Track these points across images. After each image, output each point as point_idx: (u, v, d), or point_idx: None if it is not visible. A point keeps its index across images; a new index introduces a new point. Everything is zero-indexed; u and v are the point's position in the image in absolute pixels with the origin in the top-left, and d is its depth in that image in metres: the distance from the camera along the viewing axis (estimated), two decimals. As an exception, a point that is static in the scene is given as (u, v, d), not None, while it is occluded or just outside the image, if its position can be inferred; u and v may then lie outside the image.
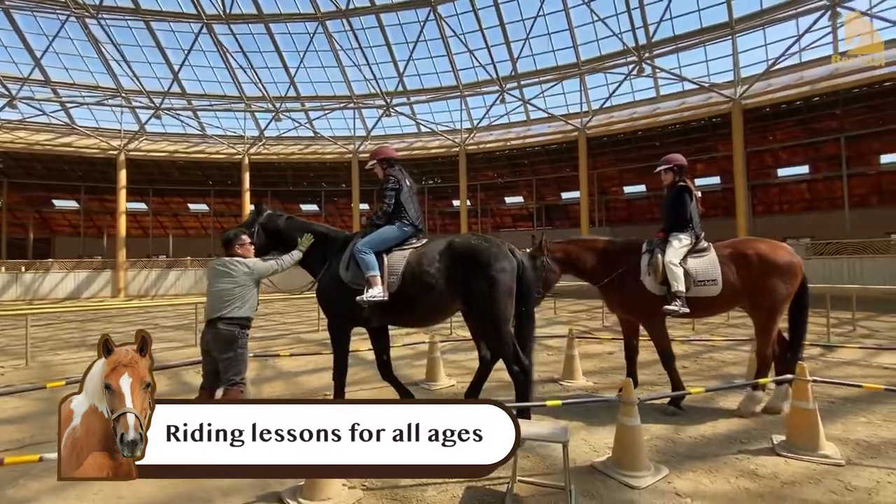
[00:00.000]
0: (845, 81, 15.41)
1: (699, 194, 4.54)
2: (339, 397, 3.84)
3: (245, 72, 20.40)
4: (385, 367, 4.06)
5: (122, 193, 21.16)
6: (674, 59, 18.37)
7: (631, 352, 4.54)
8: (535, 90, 20.83)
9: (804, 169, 21.59)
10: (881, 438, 3.39)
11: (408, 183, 3.91)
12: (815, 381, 3.30)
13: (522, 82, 20.37)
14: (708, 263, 4.06)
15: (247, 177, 22.38)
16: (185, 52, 20.09)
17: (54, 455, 1.80)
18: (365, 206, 24.29)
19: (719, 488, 2.77)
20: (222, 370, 3.22)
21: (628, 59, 18.24)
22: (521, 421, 2.79)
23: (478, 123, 21.65)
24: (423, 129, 23.78)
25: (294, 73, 21.21)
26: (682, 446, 3.36)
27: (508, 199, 28.38)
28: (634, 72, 17.40)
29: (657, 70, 17.94)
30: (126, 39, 20.11)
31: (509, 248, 3.69)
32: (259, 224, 3.94)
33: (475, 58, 18.58)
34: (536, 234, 4.92)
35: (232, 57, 20.20)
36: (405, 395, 3.98)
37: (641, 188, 25.83)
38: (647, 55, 17.08)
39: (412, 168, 25.67)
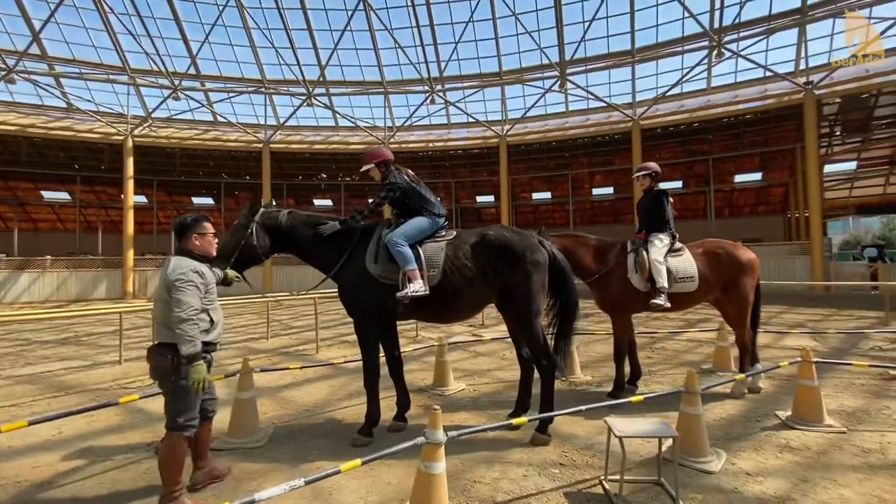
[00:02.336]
0: (716, 112, 18.38)
1: (671, 199, 5.06)
2: (374, 404, 3.49)
3: (136, 39, 17.40)
4: (397, 364, 3.78)
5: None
6: (583, 78, 20.16)
7: (631, 346, 4.84)
8: (458, 94, 21.21)
9: (679, 184, 25.30)
10: (851, 407, 4.09)
11: (408, 178, 3.71)
12: (818, 362, 3.85)
13: (447, 86, 20.61)
14: (685, 262, 4.50)
15: (130, 162, 19.11)
16: (48, 3, 16.47)
17: None
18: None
19: (774, 464, 3.08)
20: (165, 408, 2.57)
21: (545, 74, 19.56)
22: (625, 421, 2.81)
23: (405, 122, 21.32)
24: (343, 124, 22.72)
25: (198, 50, 18.70)
26: (716, 430, 3.66)
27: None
28: (556, 86, 18.65)
29: (570, 86, 19.43)
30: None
31: (539, 240, 3.69)
32: (256, 224, 3.43)
33: (406, 55, 18.29)
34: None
35: (116, 16, 17.07)
36: (404, 400, 3.75)
37: (547, 195, 27.86)
38: (567, 72, 18.44)
39: (330, 164, 24.49)
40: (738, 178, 23.76)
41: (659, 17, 17.77)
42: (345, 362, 5.57)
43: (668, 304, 4.27)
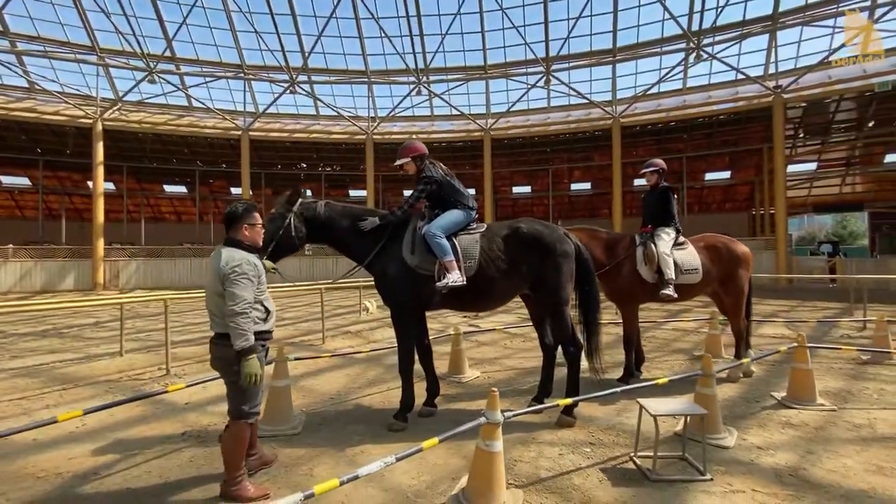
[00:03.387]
0: (691, 112, 19.12)
1: (675, 196, 5.37)
2: (409, 390, 3.63)
3: (108, 16, 16.53)
4: (427, 352, 3.92)
5: None
6: (566, 74, 20.52)
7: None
8: (443, 87, 21.22)
9: (653, 180, 26.20)
10: (835, 388, 4.49)
11: (443, 171, 3.82)
12: (813, 346, 4.21)
13: (432, 78, 20.57)
14: (689, 255, 4.79)
15: (100, 147, 18.24)
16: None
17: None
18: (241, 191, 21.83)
19: (780, 439, 3.40)
20: (229, 397, 2.62)
21: (529, 70, 19.81)
22: (655, 401, 3.04)
23: (390, 112, 21.16)
24: (324, 113, 22.34)
25: (175, 32, 17.94)
26: (723, 410, 3.93)
27: (406, 192, 28.37)
28: (542, 82, 18.92)
29: (553, 83, 19.76)
30: None
31: (565, 233, 3.88)
32: (294, 214, 3.47)
33: (393, 45, 18.13)
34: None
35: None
36: (433, 386, 3.90)
37: (528, 189, 28.30)
38: (552, 67, 18.74)
39: (311, 153, 24.05)
40: (709, 177, 24.83)
41: (640, 18, 18.29)
42: (380, 350, 5.64)
43: (676, 295, 4.56)
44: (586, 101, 20.00)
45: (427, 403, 3.83)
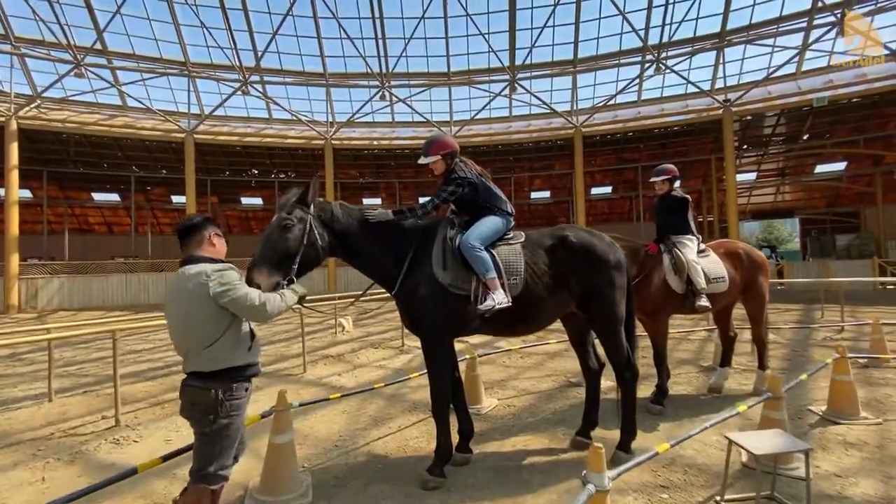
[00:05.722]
0: (648, 123, 19.82)
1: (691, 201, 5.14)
2: (446, 436, 3.00)
3: (28, 2, 14.54)
4: (456, 385, 3.25)
5: None
6: (528, 83, 20.65)
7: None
8: (405, 92, 20.66)
9: (608, 189, 26.99)
10: (862, 398, 4.35)
11: (477, 172, 3.28)
12: (853, 357, 4.02)
13: (393, 83, 19.95)
14: (714, 262, 4.53)
15: (14, 149, 15.97)
16: None
17: None
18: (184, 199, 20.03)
19: (851, 462, 3.12)
20: (195, 453, 2.12)
21: (493, 77, 19.75)
22: (747, 436, 2.62)
23: (350, 117, 20.24)
24: (278, 116, 21.04)
25: (106, 23, 16.12)
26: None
27: (366, 200, 27.41)
28: (506, 90, 18.86)
29: (518, 92, 19.79)
30: None
31: (610, 241, 3.43)
32: (313, 217, 2.75)
33: (355, 46, 17.35)
34: None
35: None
36: (466, 426, 3.26)
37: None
38: (517, 76, 18.74)
39: (264, 159, 22.56)
40: (661, 185, 25.92)
41: (600, 31, 18.74)
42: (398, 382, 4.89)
43: (711, 305, 4.26)
44: (547, 111, 20.19)
45: (461, 448, 3.22)
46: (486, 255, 2.92)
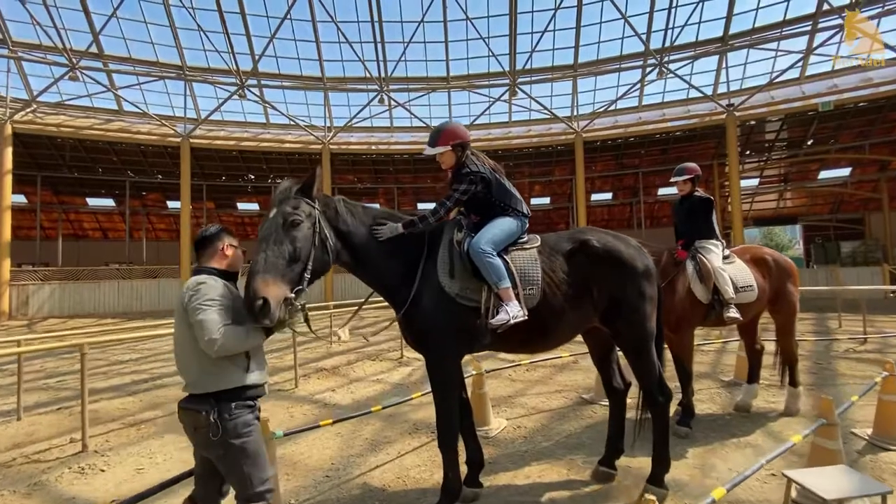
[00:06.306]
0: (649, 129, 19.57)
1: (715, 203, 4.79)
2: (454, 470, 2.62)
3: (23, 4, 14.29)
4: (463, 407, 2.84)
5: None
6: (528, 88, 20.43)
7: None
8: (403, 97, 20.41)
9: (609, 195, 26.71)
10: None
11: (490, 167, 2.85)
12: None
13: (393, 87, 19.72)
14: (741, 269, 4.15)
15: (9, 154, 15.66)
16: None
17: None
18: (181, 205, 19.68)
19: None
20: (227, 480, 1.98)
21: (493, 82, 19.52)
22: (809, 473, 2.25)
23: (348, 121, 19.97)
24: (275, 120, 20.78)
25: (102, 26, 15.87)
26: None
27: (372, 205, 27.13)
28: (506, 95, 18.63)
29: (518, 96, 19.56)
30: None
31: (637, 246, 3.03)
32: (320, 214, 2.35)
33: (354, 50, 17.12)
34: None
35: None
36: (476, 456, 2.87)
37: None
38: (518, 81, 18.51)
39: (261, 164, 22.25)
40: (661, 191, 25.63)
41: (601, 35, 18.55)
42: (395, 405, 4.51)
43: (741, 317, 3.91)
44: (547, 116, 19.96)
45: (470, 481, 2.84)
46: (498, 261, 2.56)
